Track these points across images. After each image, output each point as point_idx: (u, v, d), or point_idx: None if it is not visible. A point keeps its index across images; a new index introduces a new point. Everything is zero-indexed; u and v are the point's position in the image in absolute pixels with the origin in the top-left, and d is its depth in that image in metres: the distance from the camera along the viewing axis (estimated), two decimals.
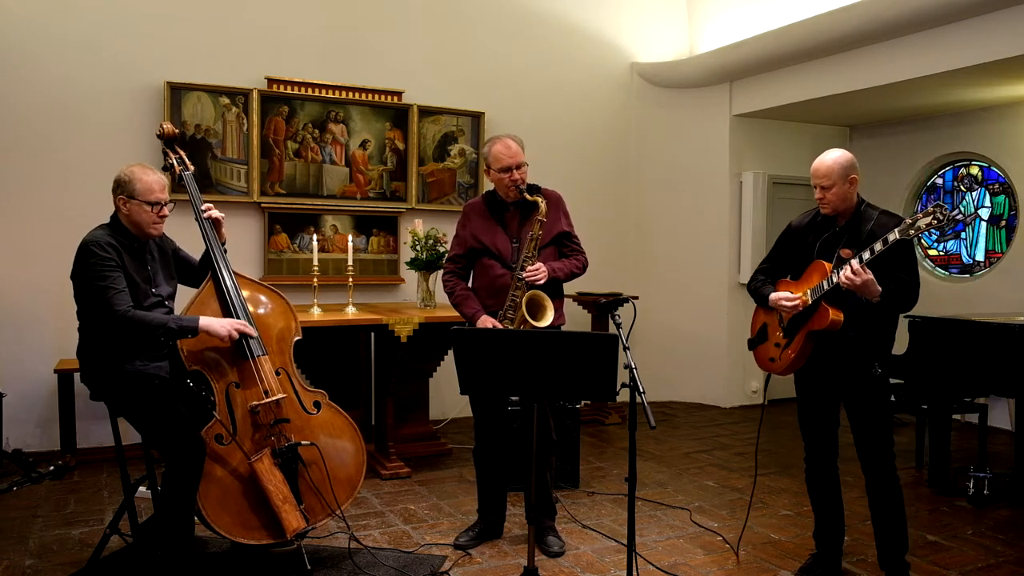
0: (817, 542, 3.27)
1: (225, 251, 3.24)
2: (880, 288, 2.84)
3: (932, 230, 2.74)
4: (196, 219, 3.20)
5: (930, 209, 2.70)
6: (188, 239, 3.41)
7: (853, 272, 2.79)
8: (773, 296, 3.13)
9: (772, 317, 3.23)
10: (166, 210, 3.01)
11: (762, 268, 3.34)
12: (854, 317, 2.96)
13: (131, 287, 2.91)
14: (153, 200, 2.95)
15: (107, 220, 3.03)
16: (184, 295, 3.22)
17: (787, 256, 3.24)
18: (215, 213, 3.22)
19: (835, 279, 2.90)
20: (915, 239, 2.86)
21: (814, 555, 3.29)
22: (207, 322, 2.96)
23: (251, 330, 3.05)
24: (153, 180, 2.96)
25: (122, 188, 2.94)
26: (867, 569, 3.30)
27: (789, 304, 3.05)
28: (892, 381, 3.10)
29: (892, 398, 4.53)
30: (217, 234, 3.22)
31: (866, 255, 2.81)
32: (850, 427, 3.11)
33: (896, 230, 2.76)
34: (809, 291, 3.02)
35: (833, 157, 3.00)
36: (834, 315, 2.94)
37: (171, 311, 3.07)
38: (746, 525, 3.69)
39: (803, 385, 3.20)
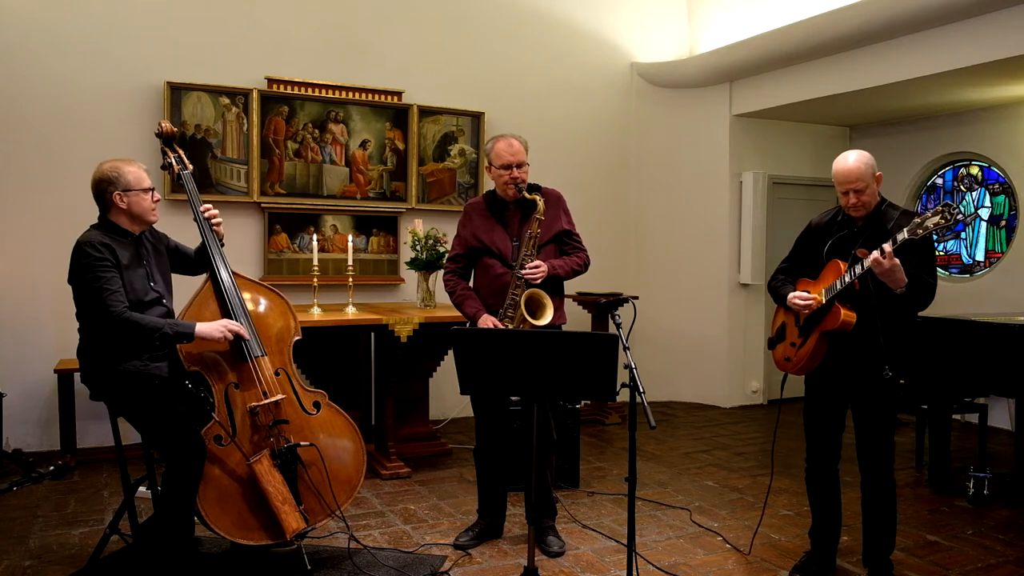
0: (812, 540, 3.29)
1: (222, 245, 3.24)
2: (905, 279, 2.81)
3: (940, 230, 2.71)
4: (195, 218, 3.20)
5: (938, 208, 2.67)
6: (187, 238, 3.40)
7: (883, 255, 2.74)
8: (790, 296, 3.11)
9: (791, 316, 3.19)
10: (157, 194, 3.05)
11: (782, 267, 3.32)
12: (872, 318, 2.91)
13: (131, 283, 2.91)
14: (147, 186, 2.98)
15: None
16: (182, 290, 3.22)
17: (806, 255, 3.21)
18: (214, 211, 3.21)
19: (847, 279, 2.88)
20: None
21: (809, 553, 3.30)
22: (202, 328, 2.94)
23: (244, 331, 3.05)
24: (138, 168, 2.99)
25: (114, 185, 2.93)
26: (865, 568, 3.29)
27: (802, 303, 3.03)
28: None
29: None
30: (214, 231, 3.22)
31: (891, 243, 2.76)
32: (854, 428, 3.10)
33: (904, 230, 2.73)
34: (824, 290, 2.99)
35: (859, 158, 2.93)
36: (846, 315, 2.92)
37: (168, 311, 3.05)
38: (759, 527, 3.69)
39: (813, 386, 3.19)
